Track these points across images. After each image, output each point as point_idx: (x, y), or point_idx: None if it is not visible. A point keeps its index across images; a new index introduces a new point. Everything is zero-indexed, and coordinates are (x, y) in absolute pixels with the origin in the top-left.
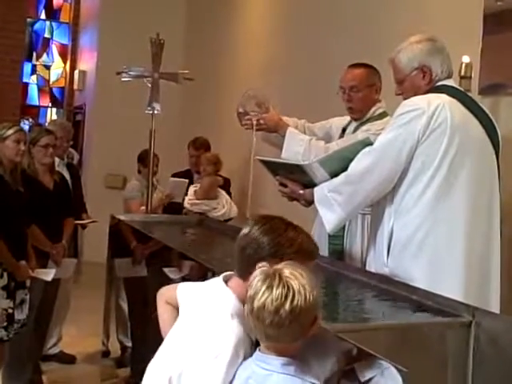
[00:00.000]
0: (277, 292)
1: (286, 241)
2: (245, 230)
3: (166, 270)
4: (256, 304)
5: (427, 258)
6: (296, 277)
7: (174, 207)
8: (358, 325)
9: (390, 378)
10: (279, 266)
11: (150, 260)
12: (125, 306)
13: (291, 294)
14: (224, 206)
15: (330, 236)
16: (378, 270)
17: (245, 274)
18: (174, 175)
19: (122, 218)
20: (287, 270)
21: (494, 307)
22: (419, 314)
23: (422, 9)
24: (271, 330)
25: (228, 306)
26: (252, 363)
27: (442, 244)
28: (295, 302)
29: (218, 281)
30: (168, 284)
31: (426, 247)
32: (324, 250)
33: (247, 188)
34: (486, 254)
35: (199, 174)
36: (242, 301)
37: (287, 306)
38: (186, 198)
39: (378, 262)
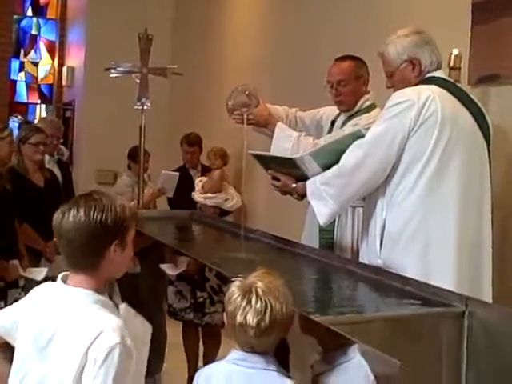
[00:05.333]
0: (256, 307)
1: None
2: (67, 222)
3: (162, 266)
4: (238, 319)
5: (420, 249)
6: (271, 290)
7: (184, 202)
8: (350, 317)
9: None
10: (253, 280)
11: (143, 256)
12: (119, 302)
13: (269, 307)
14: (234, 197)
15: (320, 229)
16: (371, 262)
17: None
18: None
19: None
20: (261, 283)
21: (486, 296)
22: (412, 304)
23: (409, 2)
24: (253, 341)
25: (85, 302)
26: (230, 363)
27: (434, 235)
28: (274, 315)
29: (55, 287)
30: (162, 280)
31: (419, 238)
32: (315, 243)
33: (240, 182)
34: (478, 244)
35: (196, 169)
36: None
37: (267, 319)
38: (195, 193)
39: (371, 254)
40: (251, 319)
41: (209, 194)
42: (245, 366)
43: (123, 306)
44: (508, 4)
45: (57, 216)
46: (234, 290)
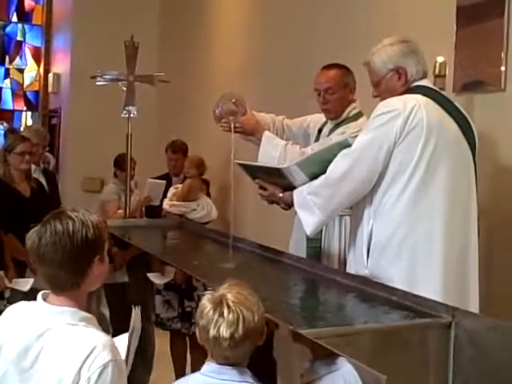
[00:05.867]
0: (229, 319)
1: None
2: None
3: (149, 275)
4: (212, 333)
5: (406, 259)
6: (242, 300)
7: (153, 210)
8: (337, 329)
9: (347, 375)
10: (223, 292)
11: (131, 266)
12: (107, 312)
13: (242, 318)
14: (204, 208)
15: (307, 238)
16: (358, 272)
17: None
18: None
19: None
20: (231, 294)
21: (473, 305)
22: (399, 315)
23: (395, 8)
24: (228, 352)
25: (72, 320)
26: (204, 376)
27: (421, 244)
28: (246, 325)
29: (37, 306)
30: (150, 289)
31: (405, 248)
32: (303, 252)
33: (227, 190)
34: (464, 253)
35: (178, 177)
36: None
37: (240, 330)
38: (165, 200)
39: (357, 264)
40: (225, 331)
41: (174, 202)
42: (219, 378)
43: None
44: (492, 8)
45: (32, 238)
46: (205, 303)
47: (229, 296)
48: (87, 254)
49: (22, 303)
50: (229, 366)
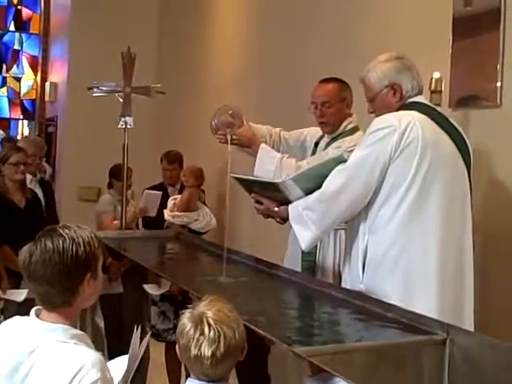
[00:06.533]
0: (210, 337)
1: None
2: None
3: (145, 286)
4: (193, 352)
5: (401, 275)
6: (222, 317)
7: (154, 221)
8: (332, 347)
9: None
10: (202, 309)
11: (127, 276)
12: (101, 323)
13: (223, 336)
14: (204, 218)
15: (302, 252)
16: (353, 287)
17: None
18: (147, 189)
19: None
20: (211, 312)
21: (468, 322)
22: (394, 332)
23: (391, 23)
24: (210, 371)
25: (63, 338)
26: None
27: (416, 260)
28: (228, 342)
29: (30, 322)
30: (146, 300)
31: (400, 263)
32: (298, 264)
33: (223, 200)
34: (459, 269)
35: (174, 187)
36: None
37: (221, 348)
38: (166, 211)
39: (353, 279)
40: (206, 350)
41: (176, 213)
42: None
43: None
44: (488, 19)
45: (23, 256)
46: (185, 322)
47: (209, 314)
48: (78, 272)
49: (16, 318)
50: (211, 382)
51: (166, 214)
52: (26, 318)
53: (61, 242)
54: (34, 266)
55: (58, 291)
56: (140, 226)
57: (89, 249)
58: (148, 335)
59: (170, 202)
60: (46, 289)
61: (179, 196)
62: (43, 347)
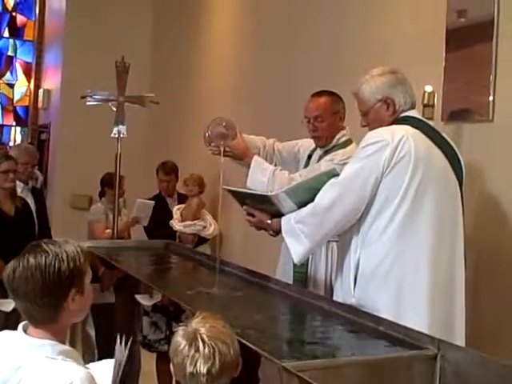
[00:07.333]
0: (204, 354)
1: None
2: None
3: (137, 296)
4: (189, 370)
5: (393, 289)
6: (216, 335)
7: (161, 231)
8: (323, 362)
9: None
10: (195, 326)
11: (119, 286)
12: (92, 332)
13: (217, 353)
14: (211, 225)
15: (294, 264)
16: (345, 300)
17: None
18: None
19: (87, 244)
20: (204, 328)
21: (459, 336)
22: (386, 346)
23: (384, 36)
24: None
25: (50, 354)
26: None
27: (408, 274)
28: (223, 359)
29: (17, 337)
30: (137, 310)
31: (392, 278)
32: (290, 276)
33: (216, 210)
34: (451, 284)
35: (172, 197)
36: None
37: (217, 364)
38: (174, 222)
39: (344, 292)
40: (201, 367)
41: (187, 222)
42: None
43: None
44: (481, 30)
45: (8, 272)
46: (179, 340)
47: (203, 330)
48: (61, 288)
49: (4, 333)
50: None
51: (176, 224)
52: (13, 332)
53: (43, 257)
54: (17, 282)
55: (40, 307)
56: (144, 234)
57: (73, 264)
58: (130, 341)
59: (177, 212)
60: (29, 305)
61: (183, 205)
62: (30, 363)
